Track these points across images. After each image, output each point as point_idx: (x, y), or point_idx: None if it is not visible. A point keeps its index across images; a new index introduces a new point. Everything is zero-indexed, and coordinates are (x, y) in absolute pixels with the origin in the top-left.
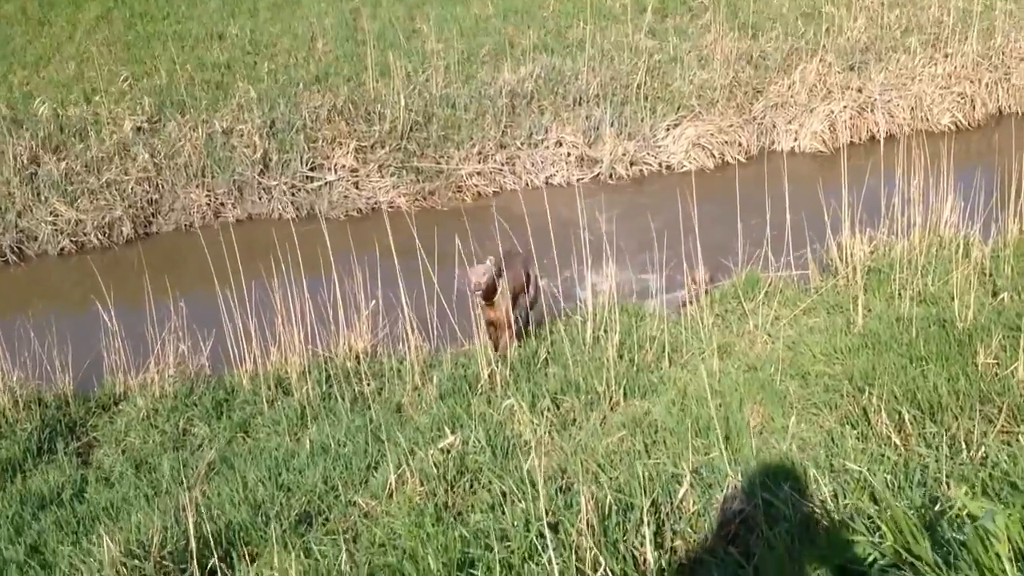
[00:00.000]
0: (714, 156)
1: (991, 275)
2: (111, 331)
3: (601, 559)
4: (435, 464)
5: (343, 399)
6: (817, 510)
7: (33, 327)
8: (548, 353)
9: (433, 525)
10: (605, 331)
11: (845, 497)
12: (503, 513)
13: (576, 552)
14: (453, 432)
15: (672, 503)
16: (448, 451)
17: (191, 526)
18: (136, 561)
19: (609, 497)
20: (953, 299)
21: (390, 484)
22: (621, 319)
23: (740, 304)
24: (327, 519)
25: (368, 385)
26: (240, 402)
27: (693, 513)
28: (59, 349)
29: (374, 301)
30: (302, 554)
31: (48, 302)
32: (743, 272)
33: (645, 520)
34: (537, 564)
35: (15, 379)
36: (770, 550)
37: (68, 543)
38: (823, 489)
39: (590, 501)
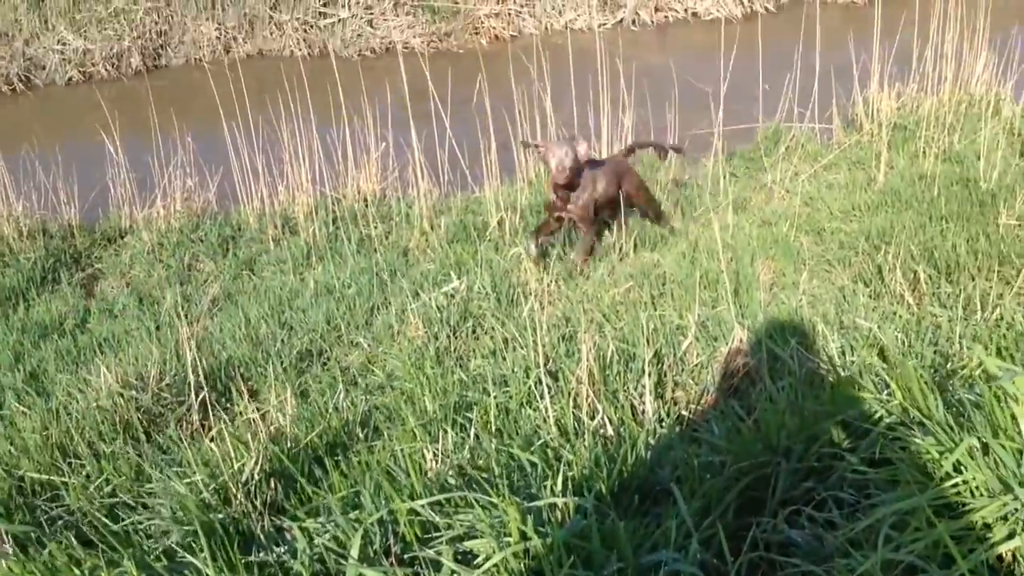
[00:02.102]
0: (743, 4)
1: (1020, 134)
2: (117, 163)
3: (599, 407)
4: (438, 308)
5: (349, 241)
6: (824, 366)
7: (39, 157)
8: None
9: (432, 368)
10: None
11: (853, 354)
12: (503, 359)
13: (574, 400)
14: (459, 277)
15: (675, 355)
16: (453, 296)
17: (190, 360)
18: (134, 392)
19: (612, 346)
20: (979, 158)
21: (392, 326)
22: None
23: (760, 158)
24: (327, 359)
25: (375, 228)
26: (246, 240)
27: (696, 365)
28: (65, 180)
29: (384, 144)
30: (300, 392)
31: (55, 132)
32: (765, 125)
33: (646, 370)
34: (535, 410)
35: (20, 209)
36: (771, 403)
37: (67, 372)
38: (831, 345)
39: (592, 350)
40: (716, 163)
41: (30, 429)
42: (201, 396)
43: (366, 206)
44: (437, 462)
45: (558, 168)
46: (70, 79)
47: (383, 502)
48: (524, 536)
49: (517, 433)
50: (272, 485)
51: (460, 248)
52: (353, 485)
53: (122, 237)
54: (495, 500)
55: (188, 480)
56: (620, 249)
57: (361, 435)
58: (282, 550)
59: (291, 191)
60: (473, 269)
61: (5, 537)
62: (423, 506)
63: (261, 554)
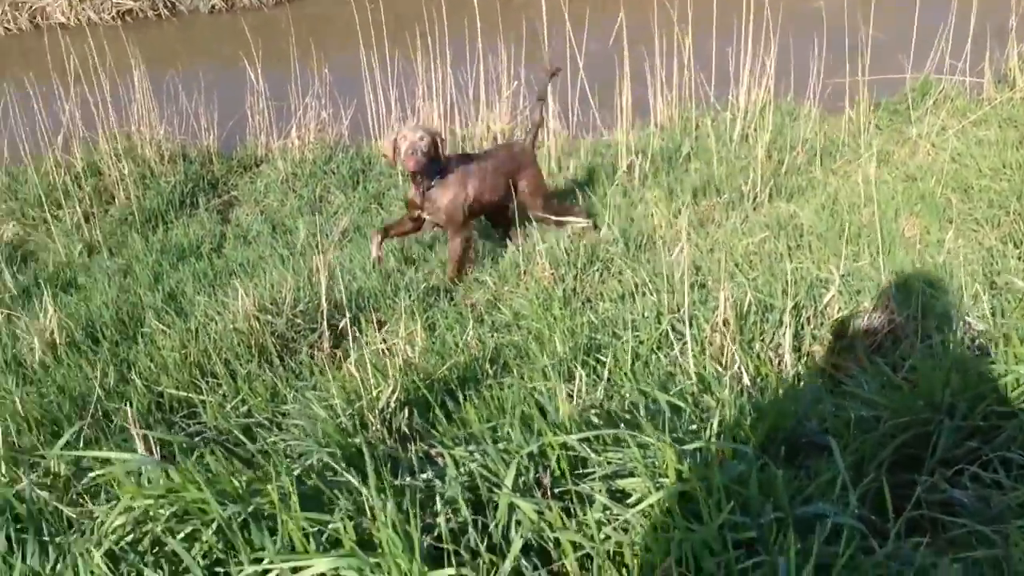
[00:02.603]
0: None
1: None
2: (257, 92)
3: (736, 356)
4: (566, 250)
5: None
6: (978, 326)
7: (182, 82)
8: (691, 149)
9: (560, 309)
10: (755, 129)
11: (1004, 316)
12: (633, 303)
13: (708, 348)
14: (587, 219)
15: (816, 307)
16: (580, 237)
17: (323, 288)
18: (269, 316)
19: (749, 296)
20: None
21: (519, 266)
22: (774, 118)
23: (906, 110)
24: (453, 295)
25: None
26: (376, 174)
27: (836, 320)
28: (206, 107)
29: (516, 82)
30: (428, 326)
31: (198, 59)
32: (914, 76)
33: (786, 321)
34: (666, 356)
35: (162, 133)
36: (932, 359)
37: (204, 294)
38: (983, 305)
39: (729, 298)
40: (859, 113)
41: (169, 347)
42: (342, 323)
43: (495, 144)
44: (571, 401)
45: (408, 152)
46: (213, 7)
47: (533, 436)
48: (680, 477)
49: (647, 378)
50: (407, 413)
51: (588, 190)
52: (488, 419)
53: (257, 166)
54: (650, 439)
55: (326, 404)
56: (755, 199)
57: (490, 371)
58: (429, 475)
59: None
60: (601, 212)
61: (154, 447)
62: (578, 441)
63: (408, 478)
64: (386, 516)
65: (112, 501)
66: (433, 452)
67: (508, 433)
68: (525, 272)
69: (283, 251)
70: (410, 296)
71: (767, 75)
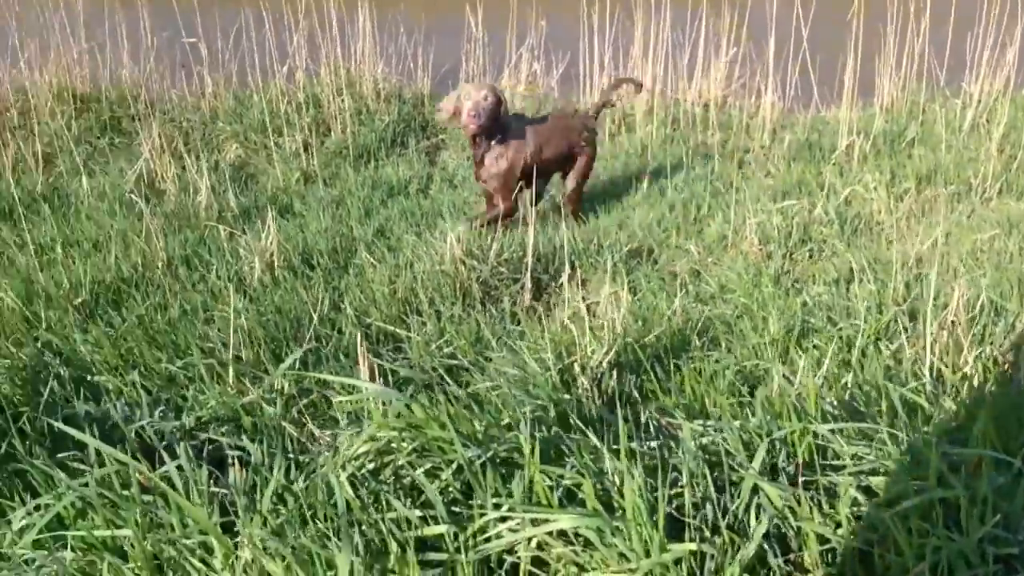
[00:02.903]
0: None
1: None
2: (475, 39)
3: (969, 357)
4: (777, 227)
5: (686, 143)
6: None
7: (404, 23)
8: (916, 134)
9: (769, 286)
10: (987, 120)
11: None
12: (847, 290)
13: (934, 346)
14: (798, 198)
15: None
16: (792, 215)
17: (530, 240)
18: (475, 262)
19: (983, 296)
20: None
21: (727, 237)
22: (1010, 111)
23: None
24: (656, 260)
25: (713, 135)
26: None
27: None
28: (424, 48)
29: (735, 48)
30: (630, 289)
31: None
32: None
33: (1018, 327)
34: (887, 349)
35: (379, 71)
36: None
37: (411, 232)
38: None
39: (963, 296)
40: None
41: (379, 281)
42: (545, 277)
43: (706, 111)
44: (790, 384)
45: (471, 112)
46: None
47: (773, 420)
48: (941, 482)
49: (872, 371)
50: (616, 376)
51: (802, 168)
52: (696, 394)
53: None
54: (899, 434)
55: (537, 356)
56: (983, 193)
57: (698, 343)
58: (654, 444)
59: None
60: (815, 192)
61: (377, 376)
62: (831, 431)
63: (632, 443)
64: (634, 479)
65: (345, 426)
66: (664, 421)
67: (746, 412)
68: (732, 245)
69: None
70: (613, 257)
71: (1007, 64)
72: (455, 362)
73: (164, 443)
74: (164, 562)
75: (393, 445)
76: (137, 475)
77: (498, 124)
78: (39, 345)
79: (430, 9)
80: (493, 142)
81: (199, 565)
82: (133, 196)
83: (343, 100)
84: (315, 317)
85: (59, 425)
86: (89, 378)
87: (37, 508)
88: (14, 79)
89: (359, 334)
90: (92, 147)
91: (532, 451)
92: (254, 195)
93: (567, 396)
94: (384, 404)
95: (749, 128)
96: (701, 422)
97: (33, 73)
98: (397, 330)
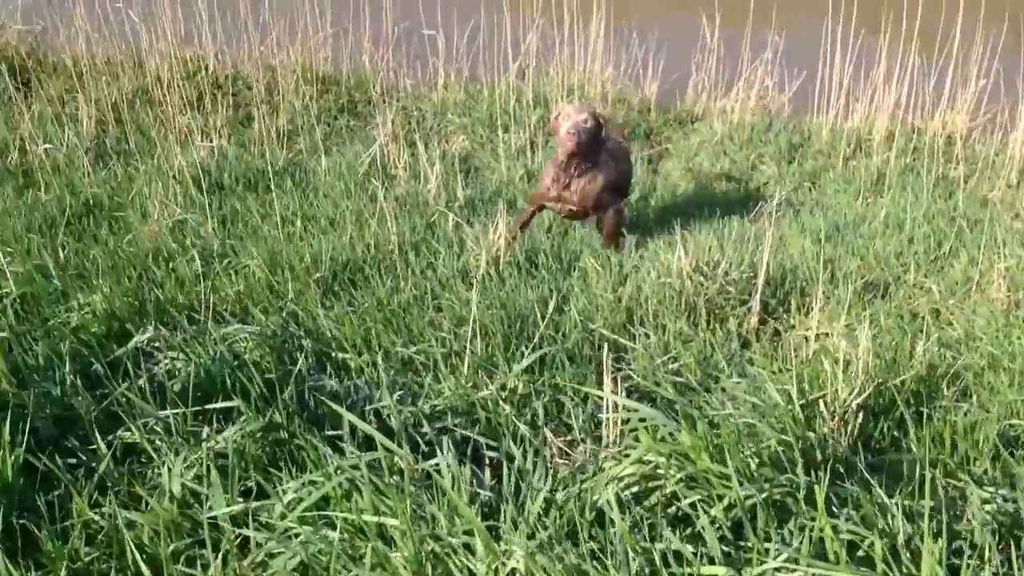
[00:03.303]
0: None
1: None
2: (708, 49)
3: None
4: None
5: (927, 175)
6: None
7: (637, 28)
8: None
9: (1020, 339)
10: None
11: None
12: None
13: None
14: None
15: None
16: None
17: (765, 261)
18: (702, 278)
19: None
20: None
21: (971, 279)
22: None
23: None
24: (890, 296)
25: (955, 169)
26: (814, 151)
27: None
28: (654, 56)
29: (985, 81)
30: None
31: (660, 7)
32: None
33: None
34: None
35: (608, 75)
36: None
37: (633, 241)
38: None
39: None
40: None
41: (602, 287)
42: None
43: (949, 144)
44: None
45: (570, 131)
46: None
47: None
48: None
49: None
50: (863, 418)
51: None
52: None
53: (692, 123)
54: None
55: (780, 388)
56: None
57: (947, 392)
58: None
59: (870, 111)
60: None
61: (620, 388)
62: None
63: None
64: (936, 544)
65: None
66: (944, 481)
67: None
68: (978, 288)
69: (708, 213)
70: (848, 288)
71: None
72: (680, 379)
73: (405, 428)
74: (425, 556)
75: (660, 471)
76: (405, 464)
77: (593, 149)
78: (284, 315)
79: (665, 17)
80: (586, 164)
81: (461, 565)
82: (372, 179)
83: (571, 101)
84: (543, 317)
85: (332, 405)
86: (332, 354)
87: (304, 484)
88: (262, 56)
89: (601, 344)
90: (330, 127)
91: (814, 498)
92: (479, 187)
93: (811, 434)
94: (649, 426)
95: (995, 165)
96: (992, 489)
97: (280, 52)
98: (620, 339)
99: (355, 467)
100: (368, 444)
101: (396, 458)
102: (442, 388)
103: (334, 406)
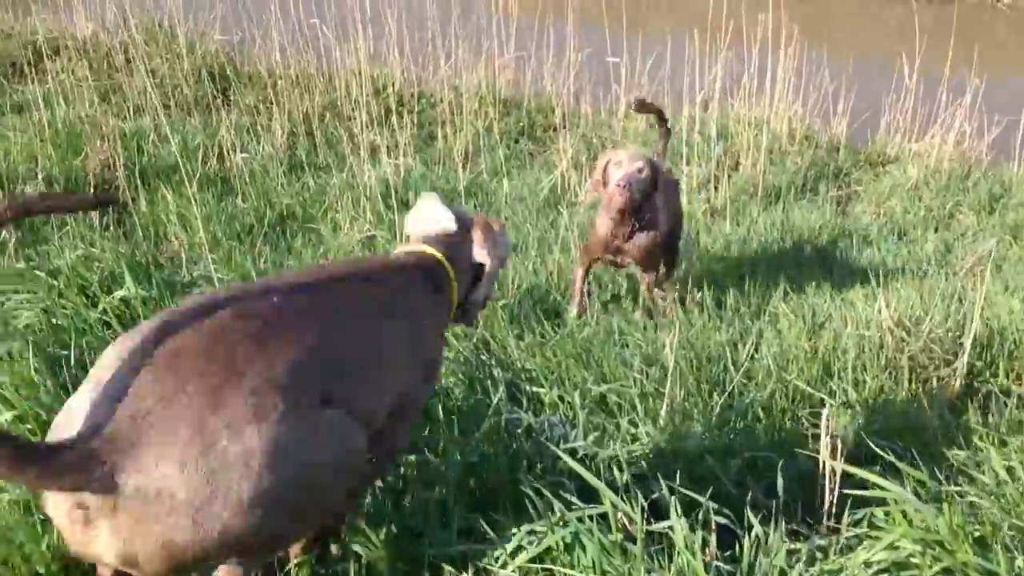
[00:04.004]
0: None
1: None
2: (905, 88)
3: None
4: None
5: None
6: None
7: (829, 64)
8: None
9: None
10: None
11: None
12: None
13: None
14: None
15: None
16: None
17: (974, 320)
18: (904, 334)
19: None
20: None
21: None
22: None
23: None
24: None
25: None
26: (1015, 203)
27: None
28: (845, 93)
29: None
30: None
31: (851, 42)
32: None
33: None
34: None
35: (795, 111)
36: None
37: (823, 288)
38: None
39: None
40: None
41: (795, 335)
42: (990, 364)
43: None
44: None
45: (622, 184)
46: None
47: None
48: None
49: None
50: None
51: None
52: None
53: (884, 165)
54: None
55: (1004, 462)
56: None
57: None
58: None
59: None
60: None
61: (840, 455)
62: None
63: None
64: None
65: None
66: None
67: None
68: None
69: (909, 263)
70: None
71: None
72: (885, 443)
73: (601, 474)
74: None
75: (914, 560)
76: (625, 521)
77: (648, 201)
78: (475, 341)
79: (858, 52)
80: (642, 215)
81: None
82: (553, 205)
83: (756, 136)
84: (734, 362)
85: (560, 453)
86: (522, 385)
87: (531, 532)
88: (445, 75)
89: (795, 396)
90: (510, 150)
91: None
92: None
93: None
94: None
95: None
96: None
97: (464, 73)
98: (815, 392)
99: (580, 520)
100: (583, 492)
101: (620, 514)
102: (639, 433)
103: (561, 454)
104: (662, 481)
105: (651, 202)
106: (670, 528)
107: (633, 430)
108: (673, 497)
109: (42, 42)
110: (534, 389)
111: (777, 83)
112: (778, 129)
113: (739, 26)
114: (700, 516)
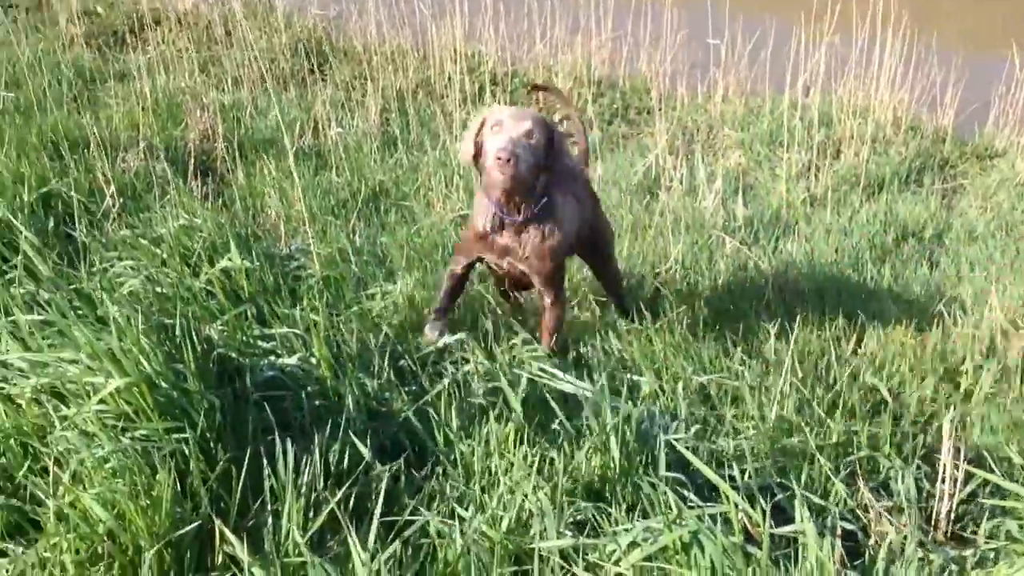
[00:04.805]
0: None
1: None
2: (1016, 80)
3: None
4: None
5: None
6: None
7: (938, 52)
8: None
9: None
10: None
11: None
12: None
13: None
14: None
15: None
16: None
17: None
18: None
19: None
20: None
21: None
22: None
23: None
24: None
25: None
26: None
27: None
28: (954, 83)
29: None
30: None
31: (958, 37)
32: None
33: None
34: None
35: (900, 100)
36: None
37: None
38: None
39: None
40: None
41: (900, 333)
42: None
43: None
44: None
45: (502, 154)
46: None
47: None
48: None
49: None
50: None
51: None
52: None
53: (991, 159)
54: None
55: None
56: None
57: None
58: None
59: None
60: None
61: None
62: None
63: None
64: None
65: None
66: None
67: None
68: None
69: (1020, 262)
70: None
71: None
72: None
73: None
74: None
75: None
76: (746, 522)
77: (545, 178)
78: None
79: (969, 41)
80: (536, 205)
81: None
82: (647, 189)
83: (859, 124)
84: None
85: (681, 449)
86: (622, 375)
87: (647, 529)
88: (538, 55)
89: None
90: (603, 132)
91: None
92: (759, 209)
93: None
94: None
95: None
96: None
97: (559, 52)
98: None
99: (700, 518)
100: (700, 489)
101: (741, 515)
102: (745, 427)
103: (683, 450)
104: (772, 478)
105: (549, 180)
106: (798, 533)
107: (737, 424)
108: (797, 500)
109: (144, 12)
110: (634, 377)
111: (883, 70)
112: (882, 118)
113: (845, 10)
114: (828, 521)
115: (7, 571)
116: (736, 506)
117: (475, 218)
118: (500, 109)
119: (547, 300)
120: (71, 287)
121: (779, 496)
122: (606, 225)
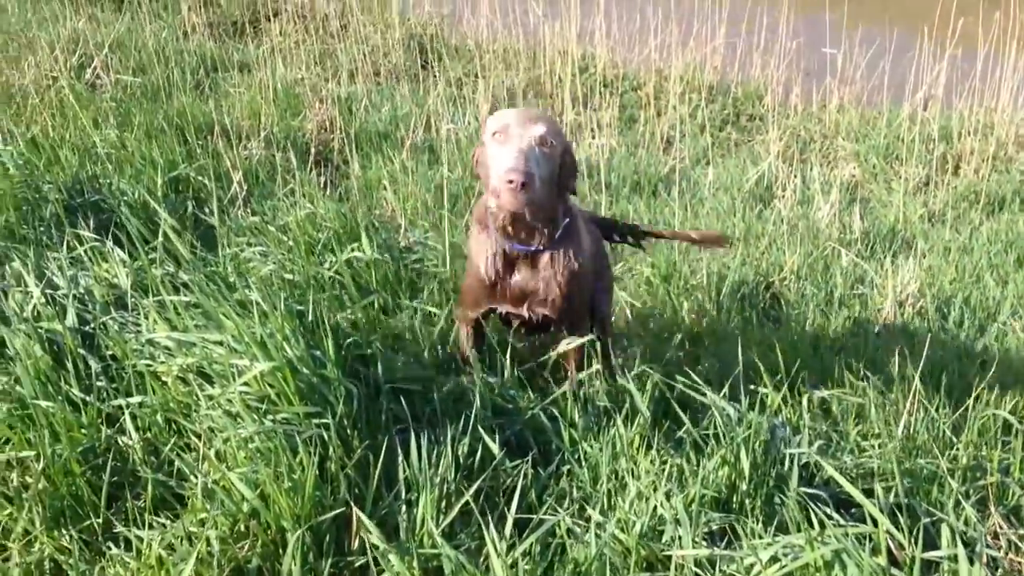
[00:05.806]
0: None
1: None
2: None
3: None
4: None
5: None
6: None
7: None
8: None
9: None
10: None
11: None
12: None
13: None
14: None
15: None
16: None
17: None
18: None
19: None
20: None
21: None
22: None
23: None
24: None
25: None
26: None
27: None
28: None
29: None
30: None
31: None
32: None
33: None
34: None
35: (1021, 116)
36: None
37: None
38: None
39: None
40: None
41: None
42: None
43: None
44: None
45: (511, 169)
46: None
47: None
48: None
49: None
50: None
51: None
52: None
53: None
54: None
55: None
56: None
57: None
58: None
59: None
60: None
61: None
62: None
63: None
64: None
65: None
66: None
67: None
68: None
69: None
70: None
71: None
72: None
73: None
74: None
75: None
76: (891, 544)
77: (560, 196)
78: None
79: None
80: (551, 228)
81: None
82: (759, 198)
83: (979, 141)
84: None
85: (831, 470)
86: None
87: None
88: (648, 59)
89: None
90: (713, 138)
91: None
92: (874, 222)
93: None
94: None
95: None
96: None
97: (669, 56)
98: None
99: (843, 536)
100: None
101: (884, 536)
102: (870, 444)
103: (832, 471)
104: (909, 499)
105: (564, 199)
106: (947, 558)
107: (862, 441)
108: (944, 524)
109: (262, 4)
110: (757, 388)
111: (1005, 86)
112: (1003, 135)
113: (967, 24)
114: (976, 548)
115: (155, 543)
116: (882, 527)
117: (474, 260)
118: (505, 114)
119: (573, 343)
120: (208, 270)
121: (924, 520)
122: (608, 271)
